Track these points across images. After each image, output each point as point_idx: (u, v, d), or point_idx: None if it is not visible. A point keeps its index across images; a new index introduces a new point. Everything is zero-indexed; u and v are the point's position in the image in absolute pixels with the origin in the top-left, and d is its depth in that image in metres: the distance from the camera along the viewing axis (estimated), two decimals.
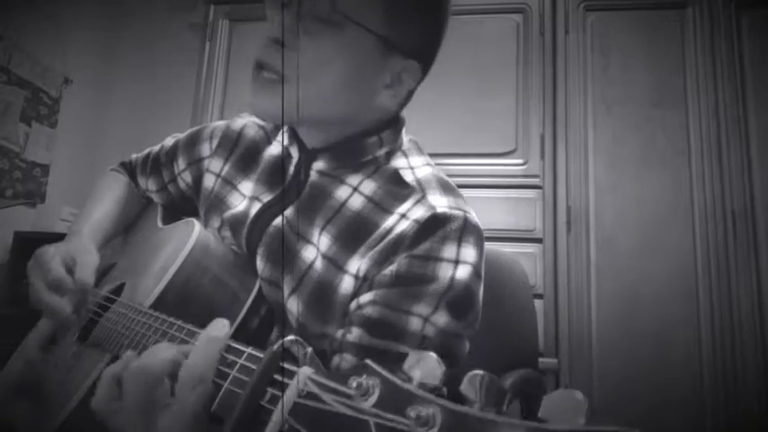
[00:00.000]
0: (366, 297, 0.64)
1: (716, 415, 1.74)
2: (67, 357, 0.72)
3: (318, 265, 0.68)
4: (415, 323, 0.62)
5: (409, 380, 0.32)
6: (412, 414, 0.29)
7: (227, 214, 0.77)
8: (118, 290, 0.78)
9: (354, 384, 0.32)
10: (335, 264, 0.67)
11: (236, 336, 0.65)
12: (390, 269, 0.63)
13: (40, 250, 0.75)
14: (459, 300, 0.64)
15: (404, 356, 0.61)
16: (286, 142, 0.79)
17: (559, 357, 1.84)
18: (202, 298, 0.66)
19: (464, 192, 0.75)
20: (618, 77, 2.03)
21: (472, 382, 0.30)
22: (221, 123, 0.90)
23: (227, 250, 0.74)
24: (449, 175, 0.76)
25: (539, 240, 1.92)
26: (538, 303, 1.78)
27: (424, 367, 0.32)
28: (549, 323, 1.86)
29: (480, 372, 0.30)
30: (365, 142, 0.72)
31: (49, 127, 2.54)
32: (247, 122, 0.86)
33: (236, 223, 0.75)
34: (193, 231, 0.71)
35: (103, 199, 0.91)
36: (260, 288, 0.71)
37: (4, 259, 2.20)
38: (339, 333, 0.65)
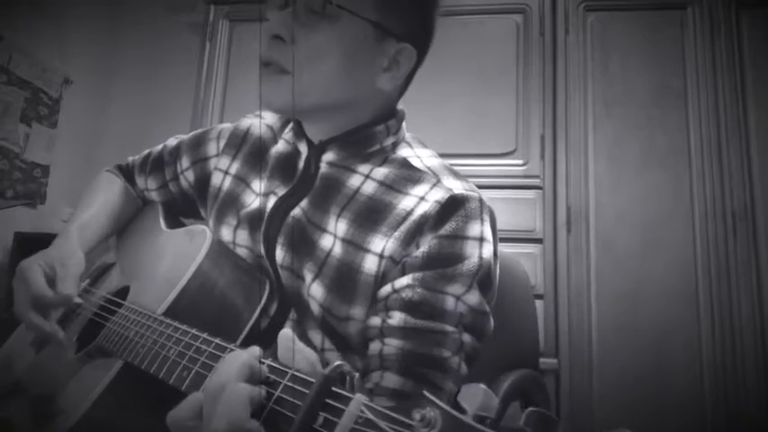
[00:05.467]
0: (402, 281, 0.66)
1: (716, 415, 1.74)
2: (67, 360, 0.71)
3: (338, 249, 0.70)
4: (450, 302, 0.65)
5: (463, 412, 0.33)
6: None
7: (244, 212, 0.78)
8: (120, 293, 0.77)
9: (418, 417, 0.33)
10: (355, 245, 0.69)
11: (246, 340, 0.65)
12: (421, 251, 0.66)
13: (23, 264, 0.75)
14: (485, 278, 0.68)
15: (442, 360, 0.62)
16: (293, 139, 0.81)
17: (559, 357, 1.84)
18: (212, 306, 0.67)
19: None
20: (618, 77, 2.03)
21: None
22: (228, 125, 0.91)
23: (235, 257, 0.75)
24: None
25: (539, 241, 1.92)
26: (538, 303, 1.78)
27: (478, 399, 0.33)
28: (549, 323, 1.86)
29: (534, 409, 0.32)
30: (372, 131, 0.75)
31: (49, 127, 2.54)
32: (254, 122, 0.88)
33: (254, 220, 0.77)
34: (206, 239, 0.71)
35: (96, 199, 0.91)
36: (270, 291, 0.72)
37: (5, 260, 2.20)
38: (376, 320, 0.66)
